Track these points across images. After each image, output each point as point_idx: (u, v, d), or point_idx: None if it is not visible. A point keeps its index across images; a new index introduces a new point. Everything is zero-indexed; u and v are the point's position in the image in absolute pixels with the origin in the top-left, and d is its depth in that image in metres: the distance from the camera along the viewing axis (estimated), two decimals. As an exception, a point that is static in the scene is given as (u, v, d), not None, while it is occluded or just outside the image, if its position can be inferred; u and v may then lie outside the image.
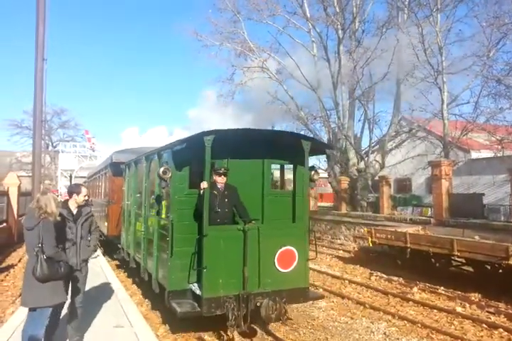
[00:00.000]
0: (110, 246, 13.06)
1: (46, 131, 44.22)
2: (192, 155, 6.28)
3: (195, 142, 5.85)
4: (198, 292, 6.02)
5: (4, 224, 16.23)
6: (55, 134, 45.83)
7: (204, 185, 5.87)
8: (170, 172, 6.19)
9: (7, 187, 17.19)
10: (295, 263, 6.32)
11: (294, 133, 8.93)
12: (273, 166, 7.62)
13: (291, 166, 7.46)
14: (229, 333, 6.13)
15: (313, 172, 7.12)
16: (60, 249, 4.64)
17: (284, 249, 6.26)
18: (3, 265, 12.88)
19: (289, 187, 8.41)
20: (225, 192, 6.53)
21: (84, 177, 30.79)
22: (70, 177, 21.06)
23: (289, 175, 8.64)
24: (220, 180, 6.48)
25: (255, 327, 6.70)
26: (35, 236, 4.35)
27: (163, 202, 7.20)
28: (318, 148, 7.31)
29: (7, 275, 11.13)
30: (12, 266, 12.06)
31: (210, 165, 6.01)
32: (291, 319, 6.96)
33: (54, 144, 44.01)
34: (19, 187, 17.75)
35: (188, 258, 5.98)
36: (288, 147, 6.79)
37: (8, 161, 49.12)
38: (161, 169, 6.19)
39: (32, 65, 8.88)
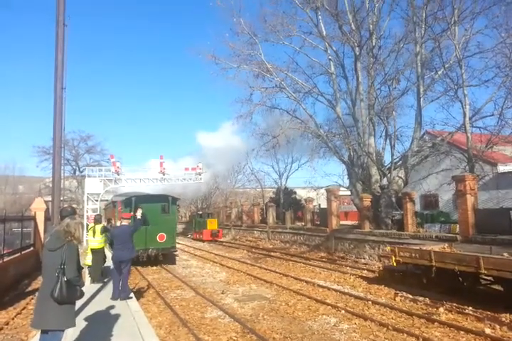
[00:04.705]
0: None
1: (73, 157, 45.69)
2: (130, 202, 18.02)
3: (129, 198, 18.42)
4: None
5: (31, 248, 16.61)
6: (81, 159, 47.03)
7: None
8: (123, 208, 17.81)
9: (34, 211, 17.67)
10: (165, 239, 18.34)
11: (167, 195, 20.64)
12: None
13: None
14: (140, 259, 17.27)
15: (177, 207, 22.50)
16: (79, 273, 4.68)
17: (160, 233, 18.24)
18: (30, 288, 13.15)
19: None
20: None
21: (108, 200, 31.75)
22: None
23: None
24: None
25: (163, 266, 18.37)
26: (57, 258, 4.40)
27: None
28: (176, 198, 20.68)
29: (32, 298, 11.32)
30: (38, 290, 12.28)
31: (136, 205, 15.58)
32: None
33: (81, 169, 45.16)
34: (46, 211, 18.21)
35: None
36: (166, 198, 19.56)
37: (37, 187, 50.70)
38: (118, 207, 19.24)
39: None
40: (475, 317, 8.82)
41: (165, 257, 19.04)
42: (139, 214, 11.04)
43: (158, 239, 18.10)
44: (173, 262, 19.80)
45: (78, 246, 4.70)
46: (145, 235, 17.24)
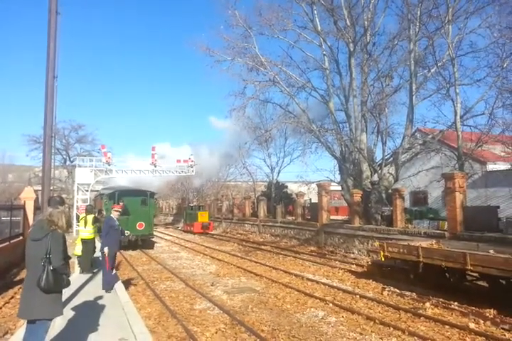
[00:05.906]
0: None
1: (64, 146, 45.23)
2: (113, 195, 21.86)
3: (113, 192, 22.42)
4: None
5: (21, 238, 16.48)
6: (72, 149, 46.56)
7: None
8: (108, 200, 21.97)
9: (24, 201, 17.50)
10: (143, 227, 22.14)
11: (146, 190, 24.31)
12: None
13: None
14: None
15: (155, 200, 26.13)
16: (65, 262, 4.67)
17: (139, 222, 22.00)
18: (18, 278, 13.06)
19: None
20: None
21: (98, 190, 31.65)
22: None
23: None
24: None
25: (153, 257, 18.90)
26: (42, 247, 4.38)
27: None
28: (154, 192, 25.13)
29: (21, 287, 11.26)
30: (25, 279, 12.22)
31: (118, 198, 21.04)
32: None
33: (71, 159, 44.76)
34: (35, 201, 18.04)
35: None
36: (145, 192, 23.58)
37: (27, 176, 50.24)
38: (104, 199, 23.41)
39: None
40: (460, 312, 8.99)
41: (143, 242, 22.47)
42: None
43: (137, 227, 21.83)
44: (152, 247, 23.22)
45: (64, 235, 4.67)
46: (127, 223, 19.74)
